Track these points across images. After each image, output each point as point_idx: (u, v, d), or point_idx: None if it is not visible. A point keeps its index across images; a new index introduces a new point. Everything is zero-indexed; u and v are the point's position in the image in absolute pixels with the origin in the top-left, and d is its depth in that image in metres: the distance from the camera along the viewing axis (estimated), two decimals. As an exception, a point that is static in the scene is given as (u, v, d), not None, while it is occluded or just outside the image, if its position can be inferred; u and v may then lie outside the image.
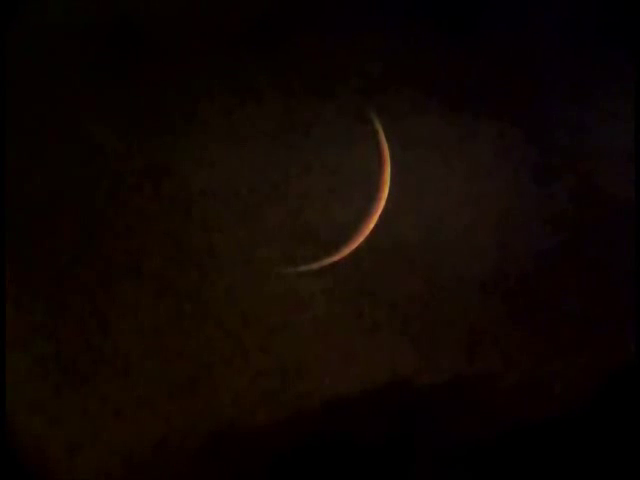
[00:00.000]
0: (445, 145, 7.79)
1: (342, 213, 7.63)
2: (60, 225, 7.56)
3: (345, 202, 7.64)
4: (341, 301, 7.73)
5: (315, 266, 7.58)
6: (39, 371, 7.53)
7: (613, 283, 7.79)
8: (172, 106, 7.67)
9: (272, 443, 7.60)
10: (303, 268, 7.60)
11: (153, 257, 7.62)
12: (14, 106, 7.48)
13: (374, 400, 7.67)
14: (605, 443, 7.61)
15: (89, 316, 7.59)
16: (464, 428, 7.66)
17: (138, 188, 7.62)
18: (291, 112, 7.68)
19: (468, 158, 7.82)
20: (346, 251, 7.54)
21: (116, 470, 7.52)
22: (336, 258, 7.55)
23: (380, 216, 7.59)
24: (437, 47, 7.75)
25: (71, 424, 7.50)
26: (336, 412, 7.64)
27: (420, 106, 7.72)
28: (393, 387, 7.69)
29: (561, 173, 7.84)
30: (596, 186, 7.85)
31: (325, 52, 7.68)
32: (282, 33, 7.69)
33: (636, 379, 7.61)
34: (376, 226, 7.60)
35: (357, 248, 7.59)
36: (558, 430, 7.64)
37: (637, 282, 7.68)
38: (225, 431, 7.59)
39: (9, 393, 7.36)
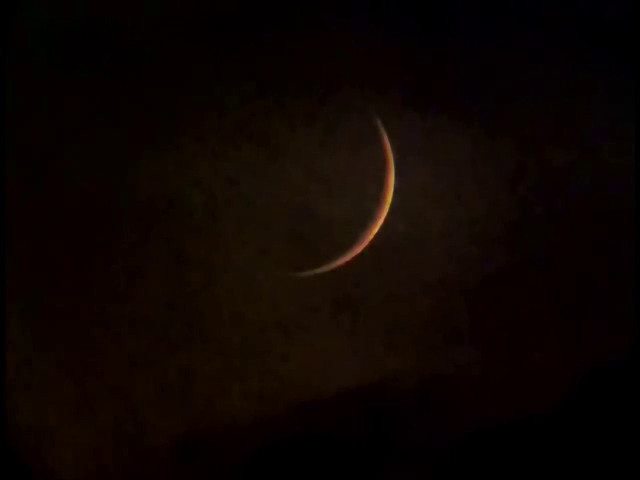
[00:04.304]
0: (425, 147, 7.84)
1: (343, 217, 7.67)
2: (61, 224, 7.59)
3: (346, 206, 7.67)
4: (322, 303, 7.79)
5: (315, 271, 7.62)
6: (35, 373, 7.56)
7: (595, 282, 7.84)
8: (165, 107, 7.68)
9: (247, 443, 7.62)
10: (301, 273, 7.64)
11: (152, 260, 7.63)
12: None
13: (350, 400, 7.68)
14: (587, 441, 7.70)
15: (83, 319, 7.61)
16: (441, 428, 7.68)
17: (136, 192, 7.63)
18: (289, 113, 7.71)
19: (447, 159, 7.84)
20: (349, 256, 7.59)
21: (92, 468, 7.54)
22: (339, 263, 7.60)
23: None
24: (412, 48, 7.82)
25: (53, 422, 7.53)
26: (311, 412, 7.66)
27: (396, 107, 7.80)
28: (370, 387, 7.70)
29: (544, 173, 7.92)
30: (577, 185, 7.93)
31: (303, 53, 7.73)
32: (264, 32, 7.73)
33: (621, 378, 7.73)
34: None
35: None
36: (537, 429, 7.68)
37: (637, 280, 7.79)
38: (201, 431, 7.61)
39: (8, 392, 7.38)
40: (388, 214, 7.66)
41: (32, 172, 7.57)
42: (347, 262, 7.63)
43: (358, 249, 7.60)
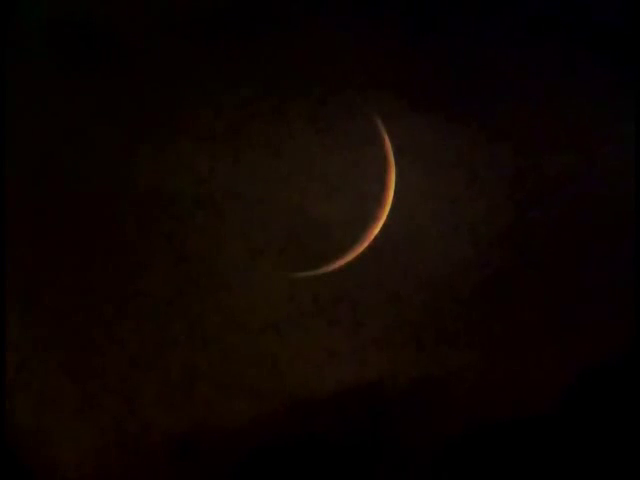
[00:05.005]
0: (423, 150, 7.89)
1: (343, 218, 7.68)
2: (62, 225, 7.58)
3: (346, 207, 7.69)
4: (321, 304, 7.82)
5: (315, 272, 7.64)
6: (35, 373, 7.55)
7: (593, 283, 7.90)
8: (165, 107, 7.68)
9: (246, 443, 7.64)
10: (300, 274, 7.66)
11: (152, 260, 7.63)
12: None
13: (348, 400, 7.72)
14: (586, 442, 7.74)
15: (83, 319, 7.61)
16: (439, 428, 7.73)
17: (135, 193, 7.63)
18: (288, 114, 7.72)
19: (445, 162, 7.89)
20: (349, 256, 7.61)
21: (92, 468, 7.54)
22: (339, 263, 7.62)
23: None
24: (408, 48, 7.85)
25: (53, 420, 7.52)
26: (309, 412, 7.69)
27: (396, 110, 7.82)
28: (367, 388, 7.74)
29: (542, 177, 7.97)
30: (574, 189, 8.01)
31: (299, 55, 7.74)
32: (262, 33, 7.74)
33: (620, 378, 7.81)
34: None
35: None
36: (535, 429, 7.74)
37: (636, 281, 7.85)
38: (201, 431, 7.62)
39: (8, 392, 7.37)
40: (386, 216, 7.68)
41: (32, 172, 7.56)
42: (346, 263, 7.65)
43: (358, 250, 7.62)
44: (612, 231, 7.91)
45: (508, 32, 7.93)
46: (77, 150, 7.62)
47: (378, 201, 7.63)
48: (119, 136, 7.64)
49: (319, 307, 7.79)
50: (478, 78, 7.91)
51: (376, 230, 7.66)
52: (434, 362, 7.80)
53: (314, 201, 7.63)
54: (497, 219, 7.89)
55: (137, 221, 7.61)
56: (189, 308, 7.67)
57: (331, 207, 7.63)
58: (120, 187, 7.61)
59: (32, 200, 7.55)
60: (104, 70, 7.65)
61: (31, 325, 7.50)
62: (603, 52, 7.95)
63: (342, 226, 7.62)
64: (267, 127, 7.69)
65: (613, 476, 7.64)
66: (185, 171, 7.64)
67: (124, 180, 7.62)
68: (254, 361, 7.75)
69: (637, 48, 7.88)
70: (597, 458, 7.68)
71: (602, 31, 7.96)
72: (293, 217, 7.61)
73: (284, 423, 7.67)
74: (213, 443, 7.64)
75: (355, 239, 7.61)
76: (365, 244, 7.64)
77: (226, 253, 7.67)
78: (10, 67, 7.53)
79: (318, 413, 7.71)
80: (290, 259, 7.65)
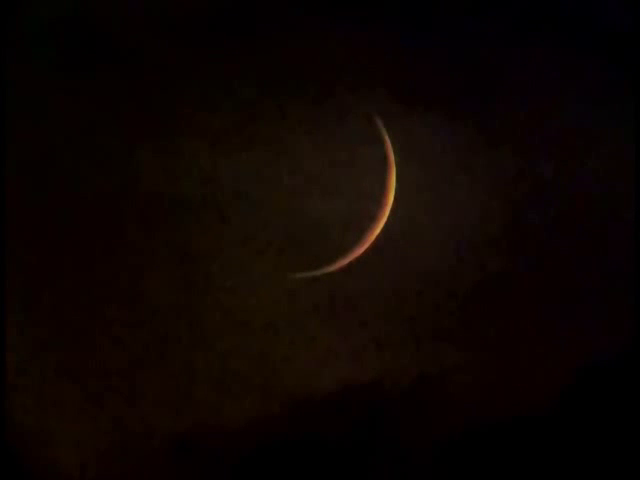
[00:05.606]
0: (422, 152, 7.91)
1: (343, 219, 7.69)
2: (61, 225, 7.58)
3: (346, 208, 7.70)
4: (316, 305, 7.84)
5: (314, 273, 7.65)
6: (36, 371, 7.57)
7: (591, 284, 7.91)
8: (165, 109, 7.69)
9: (246, 443, 7.67)
10: (300, 275, 7.67)
11: (153, 261, 7.65)
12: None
13: (343, 400, 7.75)
14: (583, 442, 7.76)
15: (83, 320, 7.62)
16: (431, 427, 7.76)
17: (135, 196, 7.63)
18: (287, 114, 7.73)
19: (444, 164, 7.91)
20: (350, 257, 7.62)
21: (92, 468, 7.55)
22: (339, 264, 7.63)
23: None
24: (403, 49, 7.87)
25: (51, 421, 7.53)
26: (305, 412, 7.73)
27: (395, 111, 7.84)
28: (362, 387, 7.78)
29: (540, 179, 8.01)
30: (572, 192, 8.03)
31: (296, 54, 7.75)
32: (262, 35, 7.75)
33: (619, 377, 7.82)
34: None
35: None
36: (526, 428, 7.75)
37: (636, 281, 7.86)
38: (198, 431, 7.64)
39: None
40: (386, 216, 7.69)
41: (32, 172, 7.56)
42: (345, 263, 7.66)
43: (358, 250, 7.63)
44: (611, 231, 7.92)
45: (508, 32, 7.94)
46: (78, 150, 7.62)
47: (378, 201, 7.64)
48: (120, 136, 7.64)
49: (318, 307, 7.80)
50: (478, 78, 7.92)
51: (376, 230, 7.66)
52: (433, 361, 7.82)
53: (314, 202, 7.64)
54: (496, 219, 7.90)
55: (138, 221, 7.62)
56: (189, 308, 7.68)
57: (331, 207, 7.64)
58: (121, 188, 7.62)
59: (32, 200, 7.55)
60: (104, 70, 7.65)
61: (31, 325, 7.51)
62: (603, 52, 7.96)
63: (342, 226, 7.63)
64: (267, 128, 7.69)
65: (613, 476, 7.65)
66: (185, 172, 7.65)
67: (125, 181, 7.63)
68: (254, 361, 7.76)
69: (637, 48, 7.90)
70: (596, 458, 7.69)
71: (602, 31, 7.97)
72: (293, 217, 7.63)
73: (284, 423, 7.69)
74: (213, 443, 7.65)
75: (355, 239, 7.62)
76: (365, 244, 7.65)
77: (226, 253, 7.68)
78: (10, 67, 7.53)
79: (317, 412, 7.72)
80: (290, 259, 7.66)
